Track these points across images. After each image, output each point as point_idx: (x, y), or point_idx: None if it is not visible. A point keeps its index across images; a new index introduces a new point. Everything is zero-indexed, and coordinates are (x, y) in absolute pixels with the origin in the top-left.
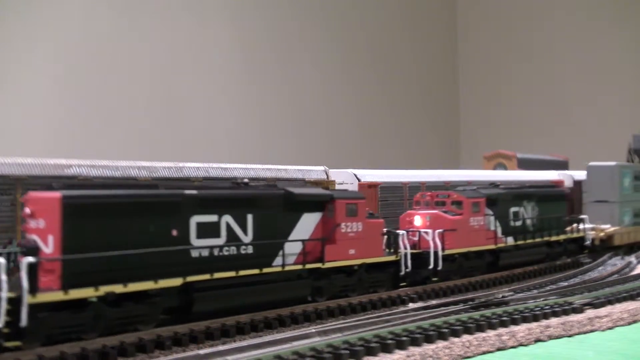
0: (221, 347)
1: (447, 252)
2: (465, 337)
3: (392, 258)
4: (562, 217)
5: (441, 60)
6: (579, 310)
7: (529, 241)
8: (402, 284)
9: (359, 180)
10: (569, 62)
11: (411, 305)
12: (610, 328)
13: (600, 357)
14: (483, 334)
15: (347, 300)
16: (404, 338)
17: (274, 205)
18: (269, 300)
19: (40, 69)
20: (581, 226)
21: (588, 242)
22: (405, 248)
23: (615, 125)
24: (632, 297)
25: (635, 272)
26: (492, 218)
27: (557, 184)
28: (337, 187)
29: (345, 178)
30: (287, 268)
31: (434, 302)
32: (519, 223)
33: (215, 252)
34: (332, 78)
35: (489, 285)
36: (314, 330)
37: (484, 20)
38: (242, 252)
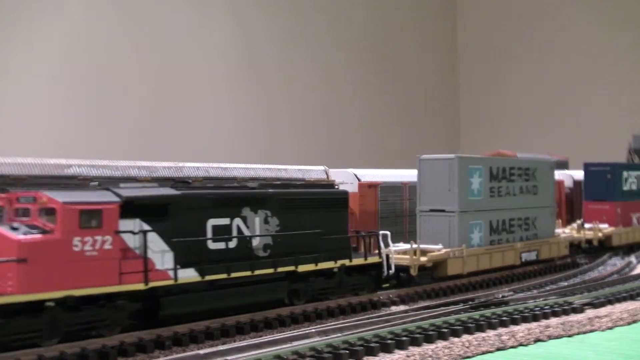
0: (221, 347)
1: (12, 299)
2: (465, 337)
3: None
4: (336, 233)
5: (441, 60)
6: (579, 310)
7: (242, 274)
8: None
9: (359, 180)
10: (569, 62)
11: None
12: (610, 328)
13: (600, 357)
14: (483, 334)
15: (347, 300)
16: (404, 338)
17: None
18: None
19: (40, 69)
20: (392, 247)
21: (392, 271)
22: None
23: (615, 125)
24: (632, 297)
25: (635, 272)
26: (144, 237)
27: (331, 183)
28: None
29: (346, 178)
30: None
31: (433, 302)
32: (222, 245)
33: None
34: (332, 79)
35: (489, 285)
36: (314, 330)
37: (484, 20)
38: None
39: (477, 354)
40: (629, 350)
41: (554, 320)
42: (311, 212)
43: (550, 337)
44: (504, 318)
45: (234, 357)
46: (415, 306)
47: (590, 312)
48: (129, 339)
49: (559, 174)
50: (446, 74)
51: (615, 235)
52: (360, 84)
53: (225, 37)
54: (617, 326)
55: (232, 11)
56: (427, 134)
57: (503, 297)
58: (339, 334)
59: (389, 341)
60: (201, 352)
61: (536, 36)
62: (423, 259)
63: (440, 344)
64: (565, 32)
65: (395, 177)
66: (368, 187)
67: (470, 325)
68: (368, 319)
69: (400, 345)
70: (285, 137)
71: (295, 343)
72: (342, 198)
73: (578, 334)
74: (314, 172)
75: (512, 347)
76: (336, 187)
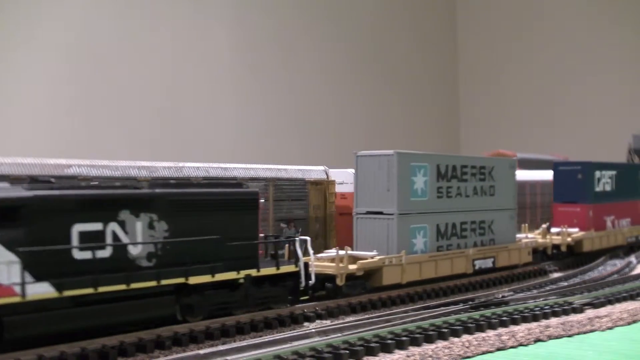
0: (221, 347)
1: None
2: (465, 337)
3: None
4: (242, 239)
5: (441, 60)
6: (579, 310)
7: (115, 288)
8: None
9: None
10: (569, 61)
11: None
12: (610, 328)
13: (600, 357)
14: (483, 334)
15: (347, 300)
16: (404, 338)
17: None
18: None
19: (40, 68)
20: (313, 254)
21: (311, 281)
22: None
23: (615, 125)
24: (632, 297)
25: (635, 272)
26: None
27: (240, 182)
28: (338, 187)
29: (346, 178)
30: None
31: (434, 302)
32: (91, 255)
33: None
34: (332, 79)
35: (489, 285)
36: (314, 330)
37: (484, 20)
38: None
39: (477, 354)
40: (629, 350)
41: (554, 320)
42: (211, 216)
43: (550, 337)
44: (504, 318)
45: (234, 357)
46: (418, 306)
47: (590, 312)
48: (129, 339)
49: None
50: (446, 74)
51: (586, 240)
52: (360, 85)
53: (226, 37)
54: (617, 326)
55: (233, 11)
56: (427, 134)
57: (503, 297)
58: (339, 334)
59: (389, 341)
60: (201, 352)
61: (536, 36)
62: (352, 267)
63: (440, 344)
64: (565, 32)
65: None
66: None
67: (470, 325)
68: (368, 319)
69: (400, 345)
70: (287, 137)
71: (295, 343)
72: (251, 199)
73: (578, 334)
74: (314, 172)
75: (512, 347)
76: (245, 186)
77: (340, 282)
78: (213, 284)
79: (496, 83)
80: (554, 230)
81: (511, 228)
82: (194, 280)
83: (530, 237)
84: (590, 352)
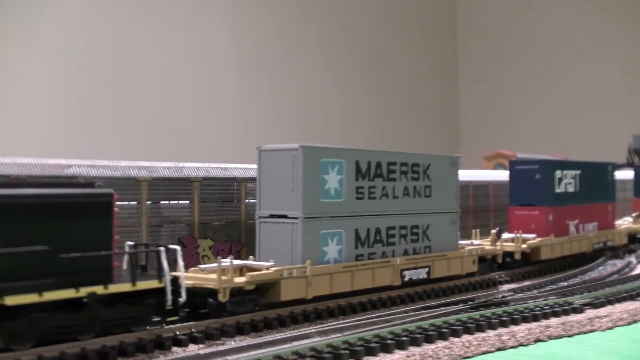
0: (221, 347)
1: None
2: (465, 337)
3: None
4: (89, 249)
5: (441, 60)
6: (579, 310)
7: None
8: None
9: None
10: (570, 61)
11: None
12: (610, 328)
13: (600, 357)
14: (483, 334)
15: (347, 300)
16: (404, 338)
17: None
18: None
19: (40, 69)
20: (184, 266)
21: (182, 299)
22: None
23: (615, 125)
24: (632, 297)
25: (635, 272)
26: None
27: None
28: None
29: None
30: None
31: (433, 302)
32: None
33: None
34: (333, 80)
35: (489, 285)
36: (314, 330)
37: (484, 20)
38: None
39: (478, 354)
40: (629, 350)
41: (554, 320)
42: (44, 222)
43: (550, 337)
44: (504, 318)
45: (234, 357)
46: (418, 306)
47: (590, 312)
48: (129, 339)
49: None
50: (446, 74)
51: (544, 247)
52: (360, 85)
53: (226, 36)
54: (617, 326)
55: (234, 10)
56: (427, 134)
57: (503, 297)
58: (339, 334)
59: (389, 341)
60: (201, 352)
61: (536, 36)
62: (239, 279)
63: (441, 344)
64: (565, 31)
65: None
66: None
67: (470, 325)
68: (368, 319)
69: (401, 345)
70: (287, 137)
71: (295, 343)
72: (103, 202)
73: (578, 334)
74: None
75: (512, 347)
76: (97, 186)
77: (223, 297)
78: (44, 304)
79: (496, 83)
80: (506, 236)
81: (452, 234)
82: (13, 300)
83: (476, 243)
84: (590, 353)
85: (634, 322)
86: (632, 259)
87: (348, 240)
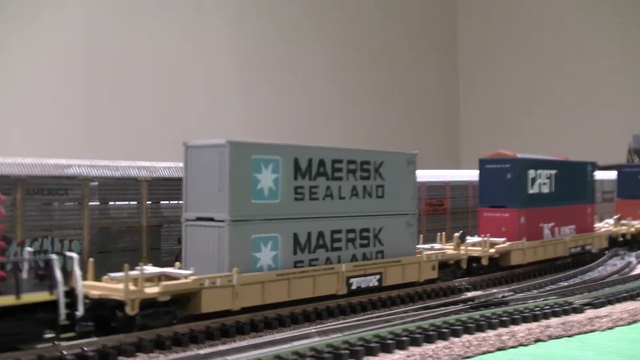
0: (221, 347)
1: None
2: (465, 337)
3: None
4: None
5: (441, 60)
6: (579, 310)
7: None
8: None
9: None
10: (569, 62)
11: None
12: (610, 328)
13: (600, 357)
14: (483, 334)
15: (347, 300)
16: (404, 338)
17: None
18: None
19: (40, 69)
20: (80, 276)
21: (79, 312)
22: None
23: (615, 125)
24: (632, 297)
25: (635, 272)
26: None
27: None
28: None
29: None
30: None
31: (434, 302)
32: None
33: None
34: (333, 80)
35: (489, 285)
36: (314, 330)
37: (484, 21)
38: None
39: (478, 354)
40: (629, 350)
41: (554, 320)
42: None
43: (550, 337)
44: (504, 318)
45: (234, 357)
46: (418, 306)
47: (590, 312)
48: (129, 339)
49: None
50: (446, 75)
51: (515, 251)
52: (360, 85)
53: (227, 35)
54: (617, 326)
55: (235, 10)
56: (427, 134)
57: (503, 297)
58: (339, 334)
59: (389, 341)
60: (201, 352)
61: (536, 37)
62: (150, 290)
63: (441, 344)
64: (565, 32)
65: None
66: None
67: (470, 325)
68: (368, 319)
69: (401, 345)
70: (288, 136)
71: (295, 343)
72: None
73: (578, 334)
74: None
75: (512, 347)
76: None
77: (131, 310)
78: None
79: (497, 83)
80: (472, 239)
81: (409, 237)
82: None
83: (437, 248)
84: (590, 352)
85: (634, 322)
86: (632, 259)
87: (285, 245)
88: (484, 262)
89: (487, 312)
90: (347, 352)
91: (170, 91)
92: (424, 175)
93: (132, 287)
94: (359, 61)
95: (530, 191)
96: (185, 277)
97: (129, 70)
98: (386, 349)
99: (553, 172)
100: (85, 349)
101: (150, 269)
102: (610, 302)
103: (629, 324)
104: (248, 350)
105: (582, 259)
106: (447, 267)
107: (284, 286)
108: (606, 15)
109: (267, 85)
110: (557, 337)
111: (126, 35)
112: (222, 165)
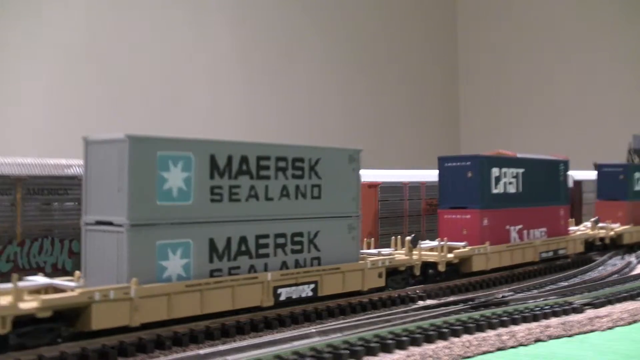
0: (221, 347)
1: None
2: (465, 337)
3: None
4: None
5: (441, 60)
6: (579, 310)
7: None
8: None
9: None
10: (569, 62)
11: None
12: (610, 328)
13: (600, 357)
14: (483, 334)
15: (347, 300)
16: (404, 338)
17: None
18: None
19: (40, 69)
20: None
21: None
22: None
23: (615, 125)
24: (632, 297)
25: (635, 272)
26: None
27: None
28: None
29: None
30: None
31: (434, 302)
32: None
33: None
34: (331, 79)
35: (489, 285)
36: (314, 330)
37: (484, 20)
38: None
39: (478, 354)
40: (629, 350)
41: (554, 320)
42: None
43: (550, 337)
44: (504, 318)
45: (234, 357)
46: (418, 305)
47: (590, 312)
48: (129, 339)
49: None
50: (446, 74)
51: (477, 256)
52: (360, 85)
53: (227, 35)
54: (617, 326)
55: (235, 10)
56: (427, 134)
57: (503, 297)
58: (339, 334)
59: (389, 341)
60: (201, 352)
61: (537, 36)
62: (27, 305)
63: (441, 344)
64: (565, 31)
65: (396, 177)
66: (368, 188)
67: (470, 325)
68: (368, 319)
69: (401, 345)
70: (284, 138)
71: (295, 343)
72: None
73: (578, 334)
74: None
75: (512, 347)
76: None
77: (2, 329)
78: None
79: (496, 83)
80: (427, 244)
81: (351, 242)
82: None
83: (385, 253)
84: (590, 352)
85: (634, 322)
86: (632, 259)
87: (199, 252)
88: (441, 268)
89: (487, 312)
90: (347, 352)
91: (170, 91)
92: (423, 175)
93: (2, 301)
94: (360, 62)
95: (495, 191)
96: (72, 289)
97: (129, 69)
98: (386, 348)
99: (520, 170)
100: (87, 347)
101: (37, 280)
102: (610, 302)
103: (629, 324)
104: (248, 350)
105: (560, 264)
106: (399, 274)
107: (195, 298)
108: (607, 15)
109: (267, 83)
110: (557, 337)
111: (126, 34)
112: (122, 163)
